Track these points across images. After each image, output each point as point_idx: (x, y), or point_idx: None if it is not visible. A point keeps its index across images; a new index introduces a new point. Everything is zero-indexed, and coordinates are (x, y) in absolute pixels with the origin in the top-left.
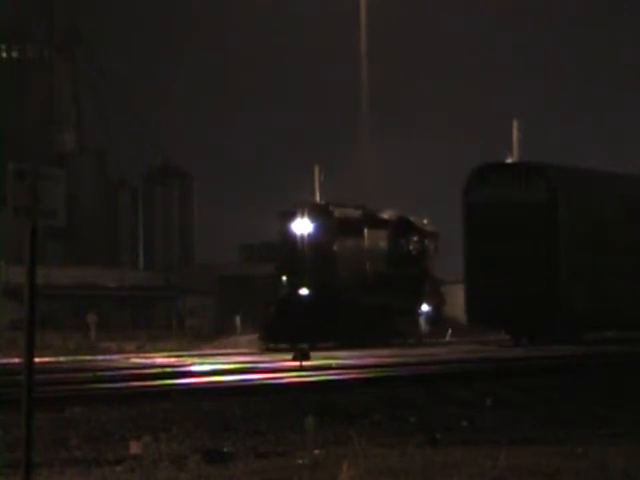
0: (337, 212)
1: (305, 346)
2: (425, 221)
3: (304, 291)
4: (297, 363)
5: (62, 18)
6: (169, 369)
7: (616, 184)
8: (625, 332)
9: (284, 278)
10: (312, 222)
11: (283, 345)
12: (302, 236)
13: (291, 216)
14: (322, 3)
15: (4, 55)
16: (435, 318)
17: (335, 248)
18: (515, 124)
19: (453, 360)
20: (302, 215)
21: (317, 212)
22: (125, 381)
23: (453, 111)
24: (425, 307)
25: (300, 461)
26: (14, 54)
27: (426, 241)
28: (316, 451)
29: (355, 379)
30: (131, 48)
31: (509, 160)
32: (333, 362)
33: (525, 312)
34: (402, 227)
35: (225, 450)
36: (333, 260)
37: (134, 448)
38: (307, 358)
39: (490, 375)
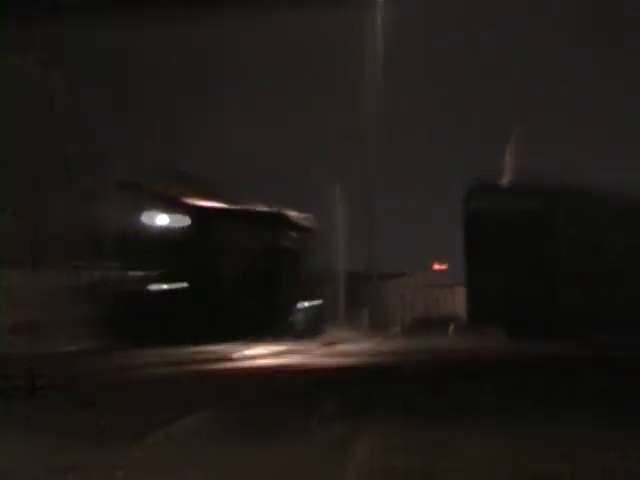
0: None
1: None
2: (304, 217)
3: (156, 285)
4: None
5: None
6: None
7: (610, 192)
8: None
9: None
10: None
11: None
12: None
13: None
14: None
15: None
16: (314, 318)
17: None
18: (512, 139)
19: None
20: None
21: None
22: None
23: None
24: (300, 305)
25: None
26: None
27: (305, 237)
28: None
29: None
30: None
31: (508, 170)
32: None
33: (524, 312)
34: (277, 222)
35: None
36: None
37: None
38: None
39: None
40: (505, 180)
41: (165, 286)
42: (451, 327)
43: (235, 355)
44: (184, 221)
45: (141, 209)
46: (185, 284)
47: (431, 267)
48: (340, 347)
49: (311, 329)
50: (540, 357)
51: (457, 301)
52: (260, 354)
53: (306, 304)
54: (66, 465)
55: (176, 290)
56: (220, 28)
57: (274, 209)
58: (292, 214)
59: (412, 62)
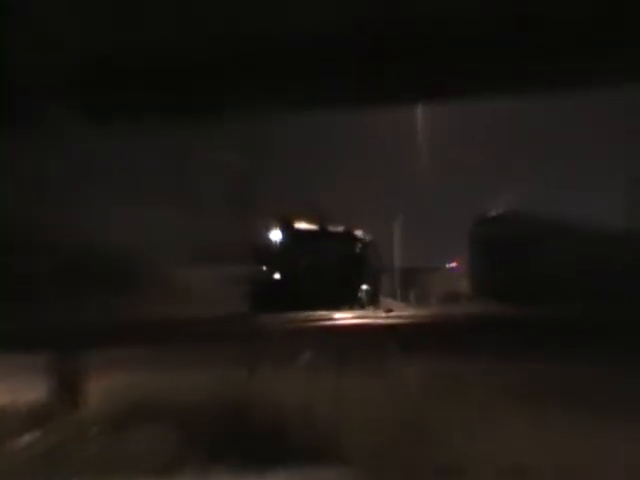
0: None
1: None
2: (366, 234)
3: (277, 276)
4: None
5: None
6: None
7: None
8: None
9: (264, 268)
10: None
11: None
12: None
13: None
14: None
15: None
16: (370, 293)
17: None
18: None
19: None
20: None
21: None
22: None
23: None
24: (364, 286)
25: None
26: None
27: (365, 247)
28: None
29: None
30: None
31: (496, 210)
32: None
33: (510, 289)
34: (348, 237)
35: None
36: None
37: None
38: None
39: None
40: (495, 218)
41: (277, 276)
42: (462, 299)
43: (335, 316)
44: (287, 237)
45: (268, 229)
46: (279, 275)
47: (451, 264)
48: (395, 312)
49: (370, 302)
50: (512, 317)
51: (464, 284)
52: (345, 317)
53: (365, 287)
54: None
55: (285, 278)
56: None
57: (347, 229)
58: (358, 232)
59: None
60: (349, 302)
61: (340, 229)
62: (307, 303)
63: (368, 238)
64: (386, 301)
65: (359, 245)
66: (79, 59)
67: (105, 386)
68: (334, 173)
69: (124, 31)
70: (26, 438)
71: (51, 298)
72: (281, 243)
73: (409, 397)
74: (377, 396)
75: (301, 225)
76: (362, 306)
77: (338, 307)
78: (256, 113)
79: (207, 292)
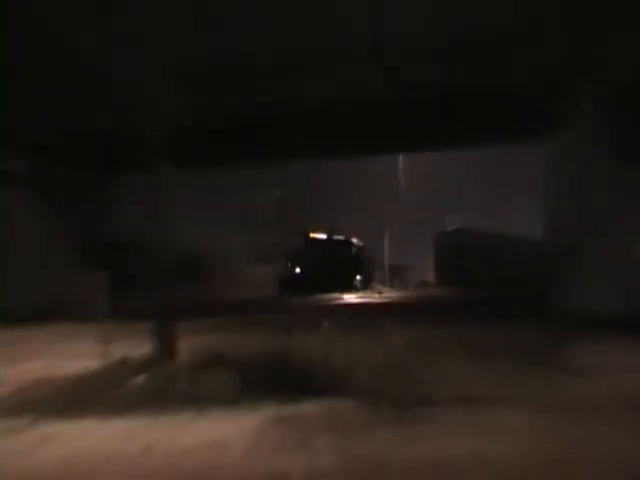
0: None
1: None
2: (360, 241)
3: (297, 270)
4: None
5: None
6: None
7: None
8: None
9: (289, 264)
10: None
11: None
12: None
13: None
14: None
15: None
16: (363, 282)
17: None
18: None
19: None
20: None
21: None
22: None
23: None
24: (358, 277)
25: None
26: None
27: (360, 250)
28: None
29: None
30: None
31: (451, 227)
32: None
33: (458, 279)
34: (347, 243)
35: None
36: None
37: None
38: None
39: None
40: (449, 232)
41: (298, 270)
42: (430, 286)
43: (344, 297)
44: (306, 243)
45: (296, 238)
46: (299, 270)
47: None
48: (385, 294)
49: (363, 289)
50: (467, 298)
51: (430, 276)
52: (351, 297)
53: (359, 277)
54: None
55: (302, 272)
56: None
57: (346, 238)
58: (354, 240)
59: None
60: (348, 288)
61: (341, 237)
62: (317, 289)
63: (361, 244)
64: (378, 287)
65: (354, 249)
66: (168, 123)
67: (190, 345)
68: (343, 201)
69: (197, 103)
70: (139, 379)
71: (156, 285)
72: (301, 248)
73: (394, 350)
74: (373, 349)
75: (315, 235)
76: (357, 291)
77: (341, 291)
78: (293, 160)
79: (260, 282)
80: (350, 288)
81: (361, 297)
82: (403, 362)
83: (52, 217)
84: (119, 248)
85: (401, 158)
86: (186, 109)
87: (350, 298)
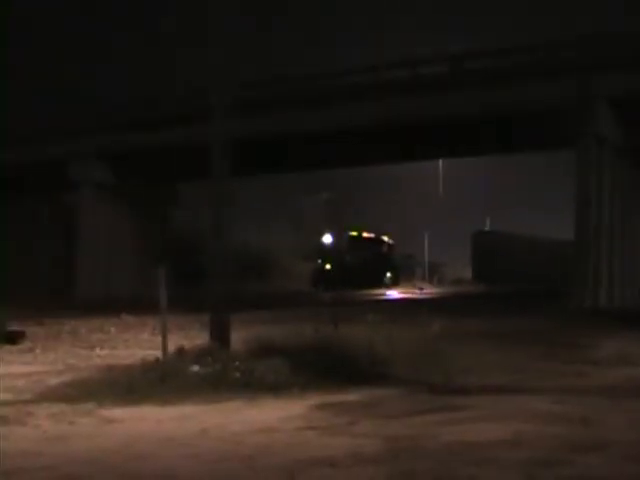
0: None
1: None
2: (390, 239)
3: (328, 266)
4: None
5: None
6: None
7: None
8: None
9: (319, 260)
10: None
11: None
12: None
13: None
14: None
15: None
16: (393, 279)
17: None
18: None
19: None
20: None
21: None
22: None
23: None
24: (388, 275)
25: None
26: None
27: (390, 248)
28: None
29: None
30: None
31: (486, 228)
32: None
33: (492, 276)
34: (378, 241)
35: None
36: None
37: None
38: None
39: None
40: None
41: (328, 266)
42: (466, 283)
43: (387, 293)
44: (337, 241)
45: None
46: (329, 266)
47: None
48: (425, 290)
49: (392, 285)
50: (500, 294)
51: (467, 273)
52: (393, 293)
53: (389, 274)
54: None
55: (332, 269)
56: None
57: (377, 236)
58: (385, 238)
59: None
60: (377, 285)
61: (372, 235)
62: (347, 285)
63: (392, 241)
64: (419, 283)
65: (385, 246)
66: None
67: (243, 335)
68: (387, 204)
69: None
70: (195, 367)
71: (214, 280)
72: (332, 244)
73: (433, 340)
74: (413, 340)
75: (347, 233)
76: (387, 287)
77: (371, 288)
78: (341, 165)
79: (308, 278)
80: (380, 285)
81: (403, 293)
82: (441, 352)
83: (120, 218)
84: (182, 247)
85: (441, 163)
86: (248, 126)
87: (393, 294)
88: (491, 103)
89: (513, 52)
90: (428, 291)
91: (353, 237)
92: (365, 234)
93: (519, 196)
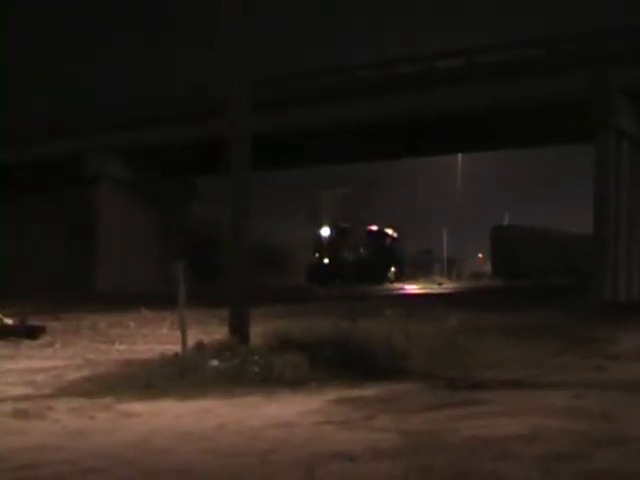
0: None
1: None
2: (394, 232)
3: (325, 260)
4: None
5: None
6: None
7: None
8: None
9: (317, 254)
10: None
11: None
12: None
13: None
14: None
15: None
16: (397, 274)
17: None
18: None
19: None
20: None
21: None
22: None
23: None
24: (392, 269)
25: None
26: None
27: (394, 241)
28: None
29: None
30: None
31: (505, 222)
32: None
33: (511, 270)
34: (381, 234)
35: None
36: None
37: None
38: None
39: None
40: (503, 227)
41: (326, 261)
42: (485, 278)
43: (406, 287)
44: (328, 232)
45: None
46: (327, 260)
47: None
48: (444, 285)
49: (396, 280)
50: (519, 288)
51: (486, 268)
52: (412, 287)
53: (393, 269)
54: None
55: (329, 263)
56: None
57: (380, 228)
58: (389, 230)
59: None
60: (380, 280)
61: (374, 228)
62: (346, 280)
63: (396, 234)
64: (438, 278)
65: (389, 239)
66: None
67: (262, 330)
68: (405, 198)
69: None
70: (214, 362)
71: (232, 275)
72: (331, 238)
73: (450, 335)
74: (431, 334)
75: (345, 225)
76: (391, 282)
77: (373, 283)
78: (359, 160)
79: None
80: (383, 280)
81: (422, 288)
82: (459, 346)
83: (138, 213)
84: (200, 241)
85: (460, 158)
86: (264, 121)
87: (412, 289)
88: (504, 97)
89: (529, 45)
90: (447, 286)
91: (353, 230)
92: (368, 227)
93: (537, 190)
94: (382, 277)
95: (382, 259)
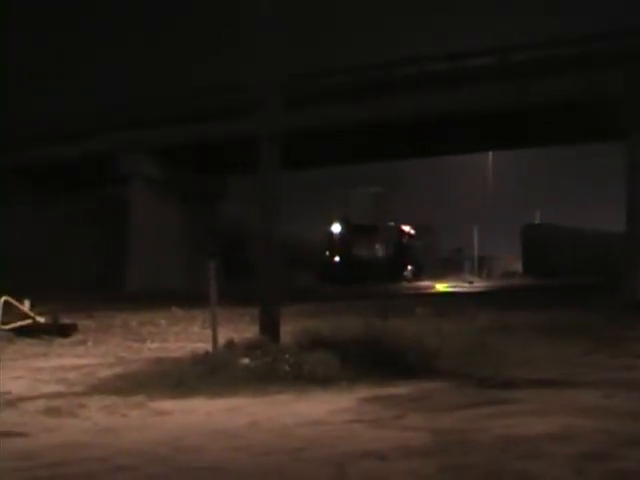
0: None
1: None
2: (411, 228)
3: (337, 258)
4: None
5: None
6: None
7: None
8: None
9: (327, 253)
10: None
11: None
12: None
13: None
14: None
15: None
16: (415, 273)
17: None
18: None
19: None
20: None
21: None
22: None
23: None
24: (409, 267)
25: None
26: None
27: (411, 238)
28: None
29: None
30: None
31: (535, 221)
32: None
33: (542, 269)
34: (397, 230)
35: None
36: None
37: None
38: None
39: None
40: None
41: (337, 259)
42: (516, 276)
43: (437, 286)
44: (339, 229)
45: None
46: (338, 258)
47: (510, 257)
48: (475, 284)
49: (414, 278)
50: (550, 286)
51: (517, 267)
52: (443, 286)
53: (410, 267)
54: None
55: (342, 261)
56: None
57: (396, 225)
58: (404, 227)
59: None
60: (395, 279)
61: (391, 224)
62: (359, 279)
63: (413, 231)
64: (469, 277)
65: (405, 237)
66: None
67: (292, 328)
68: (437, 197)
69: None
70: (244, 361)
71: (263, 274)
72: (344, 235)
73: (481, 334)
74: (462, 333)
75: (360, 222)
76: (408, 281)
77: (388, 282)
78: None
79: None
80: (399, 279)
81: (452, 287)
82: (489, 345)
83: (170, 212)
84: (231, 240)
85: (490, 156)
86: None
87: (443, 287)
88: (534, 94)
89: (560, 44)
90: (477, 284)
91: (367, 227)
92: (383, 224)
93: (569, 189)
94: (398, 275)
95: (398, 257)
